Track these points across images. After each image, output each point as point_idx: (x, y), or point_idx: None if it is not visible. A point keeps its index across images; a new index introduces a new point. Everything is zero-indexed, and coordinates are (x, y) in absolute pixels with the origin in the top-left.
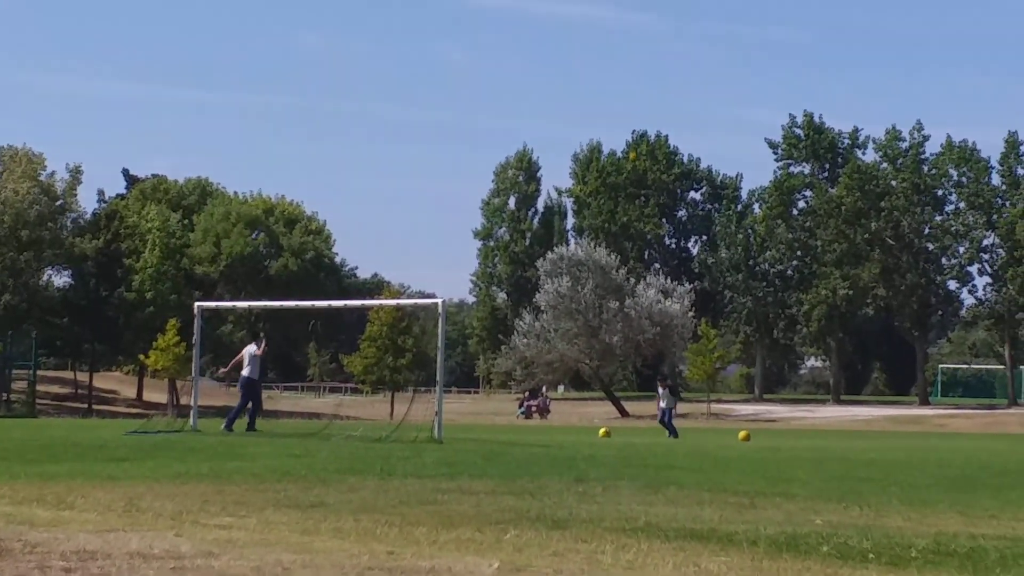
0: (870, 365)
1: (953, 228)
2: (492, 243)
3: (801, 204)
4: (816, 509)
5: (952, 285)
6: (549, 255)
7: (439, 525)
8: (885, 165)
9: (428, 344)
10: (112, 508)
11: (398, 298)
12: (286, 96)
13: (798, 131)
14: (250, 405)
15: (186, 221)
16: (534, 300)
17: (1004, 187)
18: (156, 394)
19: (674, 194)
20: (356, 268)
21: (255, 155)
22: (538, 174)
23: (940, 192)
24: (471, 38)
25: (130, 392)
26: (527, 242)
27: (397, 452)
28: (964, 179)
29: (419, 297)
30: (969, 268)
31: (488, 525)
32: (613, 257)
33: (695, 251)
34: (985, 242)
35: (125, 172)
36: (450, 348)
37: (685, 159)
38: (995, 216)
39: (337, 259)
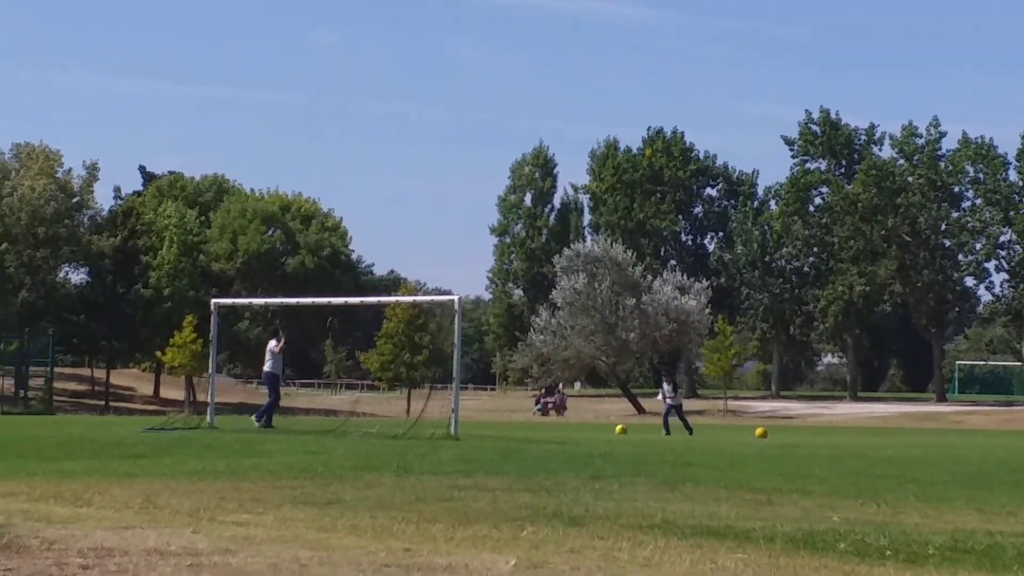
0: (887, 362)
1: (970, 225)
2: (508, 240)
3: (817, 200)
4: (833, 506)
5: (969, 282)
6: (566, 252)
7: (456, 522)
8: (902, 161)
9: (444, 341)
10: (129, 505)
11: (414, 295)
12: (302, 94)
13: (814, 127)
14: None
15: (203, 218)
16: (550, 297)
17: (1021, 183)
18: (173, 391)
19: (690, 191)
20: (372, 265)
21: (271, 152)
22: (554, 171)
23: (957, 189)
24: (486, 36)
25: (147, 389)
26: (543, 239)
27: (414, 449)
28: (981, 175)
29: (435, 294)
30: (986, 264)
31: (505, 522)
32: (629, 254)
33: (711, 248)
34: (1002, 238)
35: (142, 169)
36: (466, 345)
37: (701, 155)
38: (1012, 212)
39: (353, 256)
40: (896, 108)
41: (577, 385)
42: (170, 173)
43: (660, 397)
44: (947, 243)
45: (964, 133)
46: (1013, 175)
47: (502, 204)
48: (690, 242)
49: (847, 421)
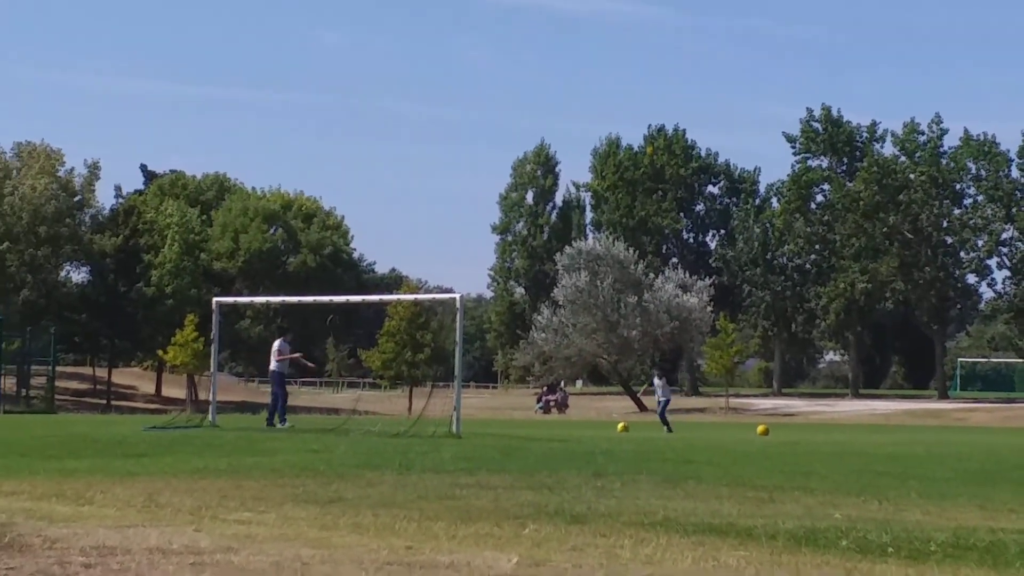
0: (889, 359)
1: (972, 222)
2: (510, 237)
3: (819, 198)
4: (835, 503)
5: (971, 279)
6: (567, 249)
7: (458, 520)
8: (903, 159)
9: (446, 339)
10: (131, 504)
11: (416, 293)
12: (304, 93)
13: (816, 125)
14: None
15: (204, 217)
16: (552, 295)
17: (1023, 180)
18: (175, 389)
19: (692, 188)
20: (374, 263)
21: (273, 151)
22: (556, 168)
23: (959, 186)
24: (489, 35)
25: (149, 388)
26: (545, 236)
27: (415, 447)
28: (983, 172)
29: (437, 292)
30: (988, 261)
31: (507, 520)
32: (631, 251)
33: (713, 245)
34: (1004, 235)
35: (143, 168)
36: (468, 343)
37: (703, 153)
38: (1014, 209)
39: (355, 254)
40: (898, 105)
41: (579, 383)
42: (171, 172)
43: (659, 395)
44: (949, 240)
45: (966, 130)
46: (1015, 172)
47: (504, 202)
48: (692, 240)
49: (849, 418)
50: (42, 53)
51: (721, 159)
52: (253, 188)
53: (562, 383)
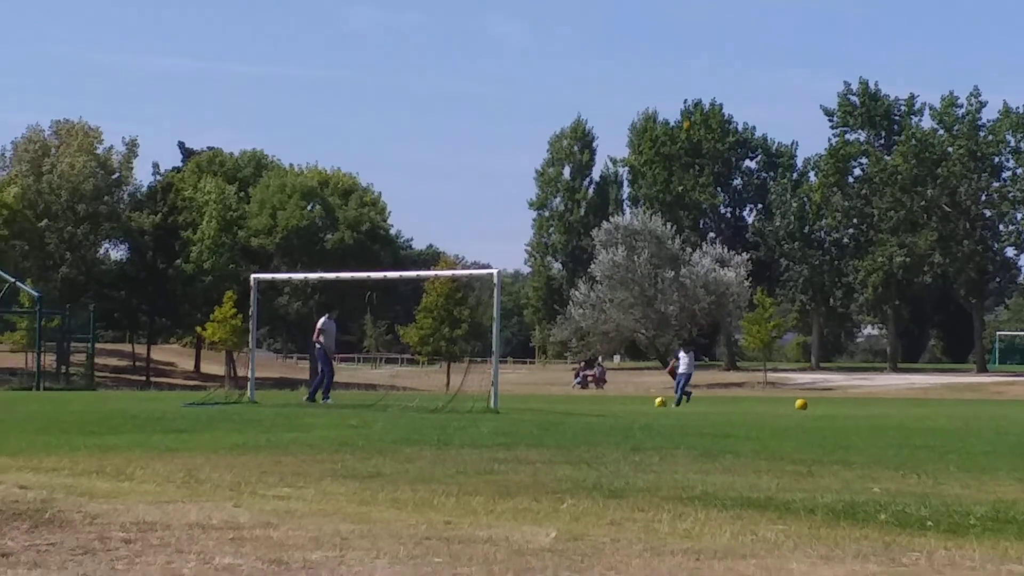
0: (927, 333)
1: (1011, 195)
2: (547, 213)
3: (857, 172)
4: (874, 477)
5: (1010, 252)
6: (604, 225)
7: (496, 495)
8: (942, 132)
9: (483, 315)
10: (171, 479)
11: (453, 269)
12: (341, 69)
13: (853, 98)
14: (321, 375)
15: (242, 194)
16: (589, 270)
17: None
18: (213, 366)
19: (729, 163)
20: (411, 240)
21: (310, 127)
22: (593, 144)
23: (997, 159)
24: (525, 9)
25: (188, 364)
26: (582, 212)
27: (453, 422)
28: (1022, 145)
29: (474, 268)
30: None
31: (545, 495)
32: (668, 227)
33: (750, 220)
34: None
35: (181, 145)
36: (505, 318)
37: (740, 128)
38: None
39: (392, 231)
40: (936, 78)
41: (616, 358)
42: (209, 149)
43: (681, 368)
44: (987, 213)
45: (1005, 103)
46: None
47: (540, 178)
48: (729, 214)
49: (887, 392)
50: (79, 32)
51: (758, 133)
52: (291, 165)
53: (599, 358)
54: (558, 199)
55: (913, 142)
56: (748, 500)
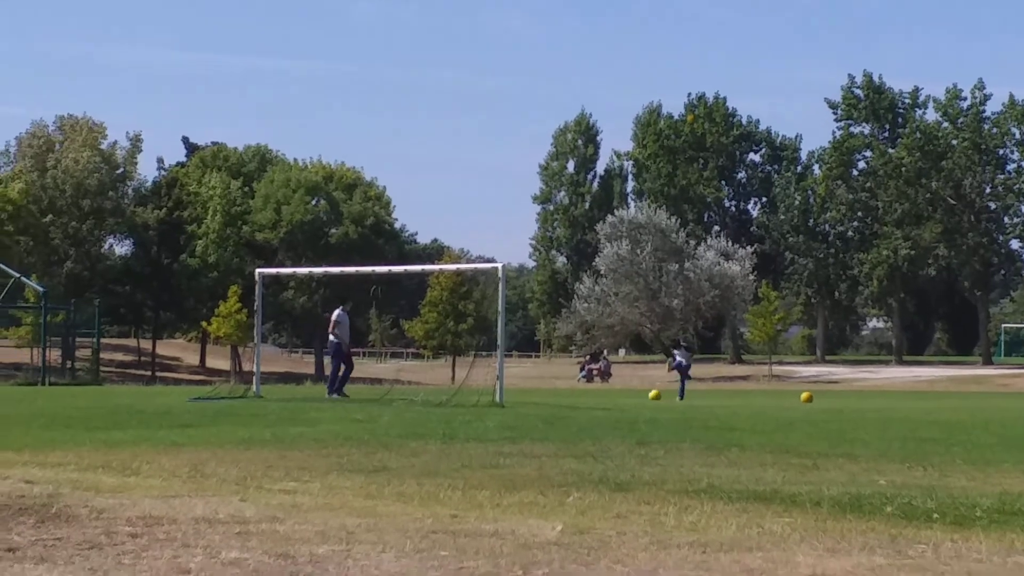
0: (932, 325)
1: (1015, 187)
2: (551, 207)
3: (861, 165)
4: (879, 470)
5: (1015, 244)
6: (609, 218)
7: (502, 488)
8: (946, 124)
9: (488, 308)
10: (177, 474)
11: (458, 263)
12: (344, 63)
13: (858, 91)
14: (341, 369)
15: (246, 188)
16: (594, 263)
17: None
18: (219, 360)
19: (733, 156)
20: (416, 234)
21: (314, 122)
22: (597, 137)
23: (1002, 151)
24: (528, 2)
25: (193, 359)
26: (586, 206)
27: (459, 416)
28: None
29: (479, 262)
30: None
31: (551, 488)
32: (673, 220)
33: (755, 213)
34: None
35: (185, 140)
36: (510, 312)
37: (744, 121)
38: None
39: (397, 225)
40: (940, 71)
41: (621, 352)
42: (213, 144)
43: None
44: (992, 206)
45: (1011, 95)
46: None
47: (544, 172)
48: (733, 208)
49: (893, 385)
50: (83, 27)
51: (762, 126)
52: (295, 159)
53: (604, 352)
54: (562, 193)
55: (917, 135)
56: (754, 493)
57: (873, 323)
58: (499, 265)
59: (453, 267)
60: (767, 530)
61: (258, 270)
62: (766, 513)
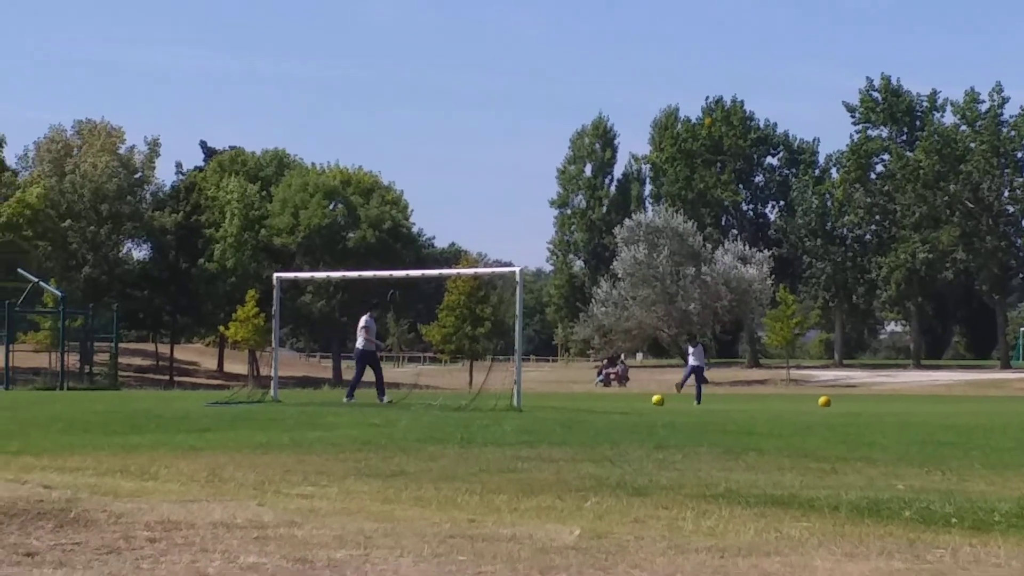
0: (950, 329)
1: None
2: (569, 211)
3: (879, 168)
4: (898, 474)
5: None
6: (626, 222)
7: (520, 493)
8: (964, 128)
9: (506, 313)
10: (195, 478)
11: (476, 267)
12: (361, 67)
13: (876, 94)
14: (367, 374)
15: (264, 193)
16: (611, 268)
17: None
18: (237, 365)
19: (751, 160)
20: (433, 238)
21: (331, 126)
22: (615, 141)
23: (1020, 154)
24: (546, 5)
25: (211, 363)
26: (604, 210)
27: (477, 420)
28: None
29: (497, 266)
30: None
31: (568, 492)
32: (690, 224)
33: (772, 217)
34: None
35: (203, 144)
36: (528, 316)
37: (761, 124)
38: None
39: (414, 229)
40: (958, 74)
41: (639, 356)
42: (231, 148)
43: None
44: (1010, 209)
45: None
46: None
47: (562, 176)
48: (751, 211)
49: (911, 389)
50: (101, 31)
51: (780, 130)
52: (312, 164)
53: (622, 356)
54: (580, 197)
55: (935, 138)
56: (772, 497)
57: (891, 327)
58: (516, 269)
59: (471, 271)
60: (785, 535)
61: (276, 274)
62: (784, 518)
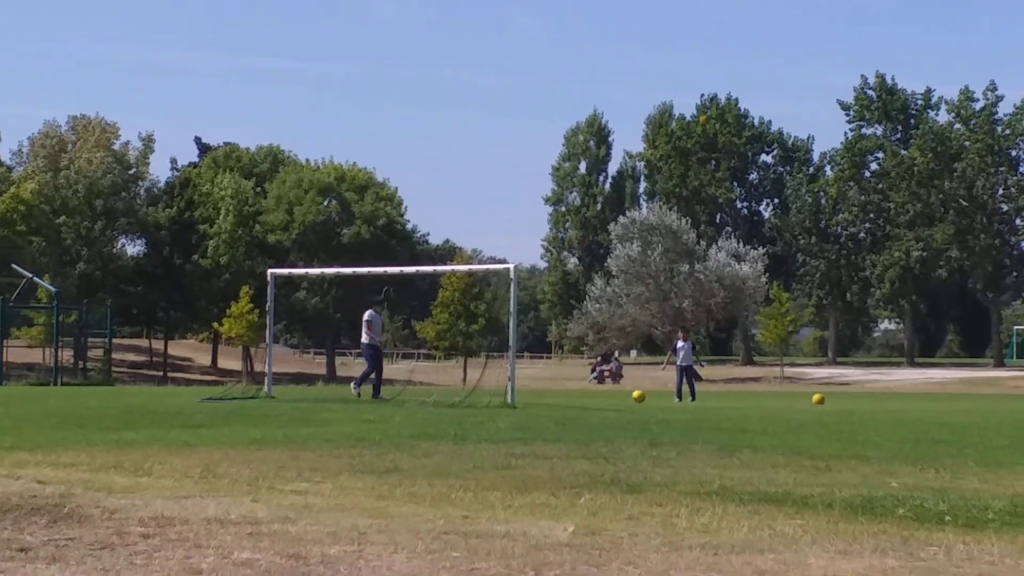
0: (944, 327)
1: None
2: (563, 208)
3: (873, 166)
4: (891, 472)
5: None
6: (620, 219)
7: (513, 489)
8: (958, 126)
9: (500, 309)
10: (189, 474)
11: (470, 264)
12: (356, 63)
13: (870, 92)
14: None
15: (258, 189)
16: (605, 265)
17: None
18: (230, 361)
19: (745, 157)
20: (428, 234)
21: (326, 122)
22: (609, 139)
23: (1015, 152)
24: (540, 3)
25: (205, 359)
26: (598, 207)
27: (471, 417)
28: None
29: (491, 263)
30: None
31: (563, 489)
32: (684, 221)
33: (767, 215)
34: None
35: (197, 140)
36: (522, 313)
37: (756, 122)
38: None
39: (409, 226)
40: (953, 72)
41: (633, 353)
42: (225, 144)
43: (681, 359)
44: (1005, 207)
45: (1023, 97)
46: None
47: (556, 173)
48: (745, 209)
49: (904, 387)
50: (95, 27)
51: (774, 127)
52: (307, 160)
53: (616, 353)
54: (574, 194)
55: (930, 136)
56: (766, 495)
57: (885, 325)
58: (511, 266)
59: (465, 268)
60: (779, 532)
61: (270, 271)
62: (778, 515)
